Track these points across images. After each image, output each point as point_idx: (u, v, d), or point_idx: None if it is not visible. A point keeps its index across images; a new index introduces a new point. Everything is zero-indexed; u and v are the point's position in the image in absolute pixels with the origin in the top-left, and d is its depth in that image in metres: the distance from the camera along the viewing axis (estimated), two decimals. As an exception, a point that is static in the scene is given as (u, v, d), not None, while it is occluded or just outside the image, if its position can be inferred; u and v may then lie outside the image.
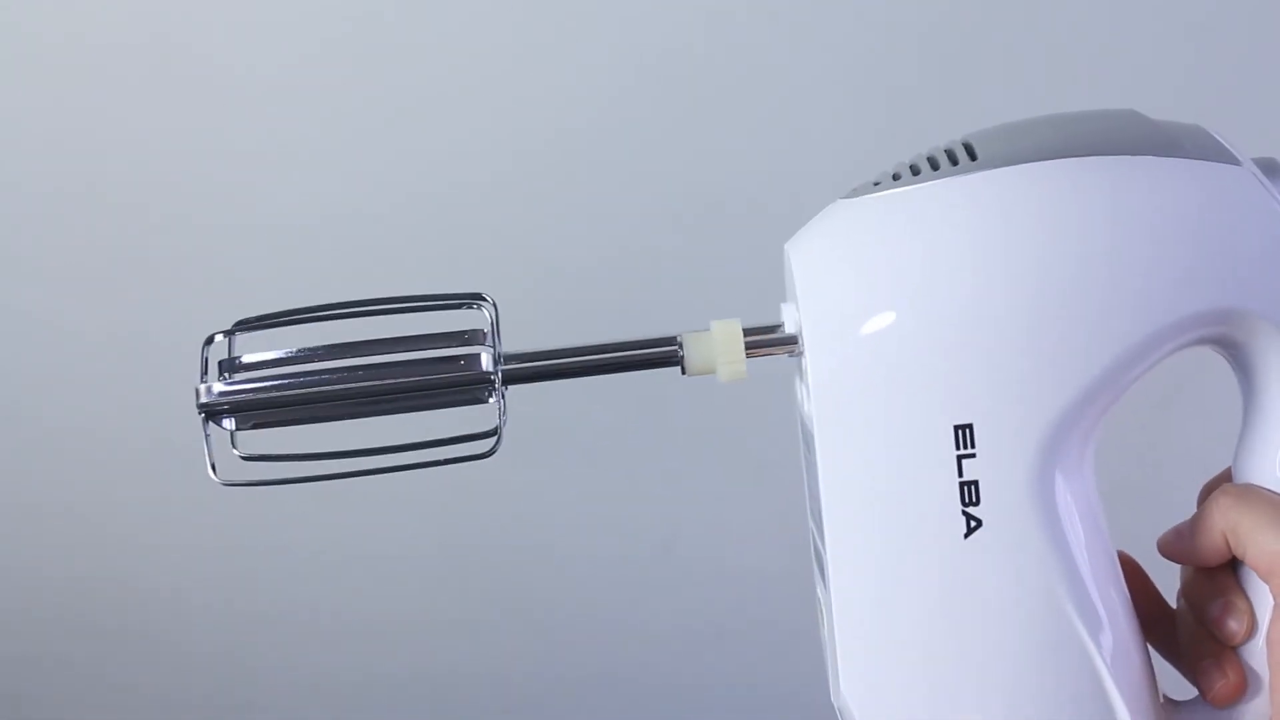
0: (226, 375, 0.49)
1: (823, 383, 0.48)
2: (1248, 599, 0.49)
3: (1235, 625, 0.49)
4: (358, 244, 1.16)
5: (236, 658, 1.30)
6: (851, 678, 0.48)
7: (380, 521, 1.24)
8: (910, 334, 0.47)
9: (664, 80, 1.11)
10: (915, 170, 0.49)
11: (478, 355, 0.49)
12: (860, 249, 0.48)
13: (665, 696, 1.26)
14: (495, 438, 0.50)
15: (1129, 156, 0.48)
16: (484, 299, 0.50)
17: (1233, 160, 0.48)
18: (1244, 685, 0.49)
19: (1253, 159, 0.48)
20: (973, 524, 0.47)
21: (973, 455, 0.47)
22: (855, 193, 0.50)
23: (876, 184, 0.49)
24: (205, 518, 1.24)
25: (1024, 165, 0.48)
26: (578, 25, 1.10)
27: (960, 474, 0.47)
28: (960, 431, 0.47)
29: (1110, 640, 0.48)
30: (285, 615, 1.28)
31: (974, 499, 0.47)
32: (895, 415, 0.47)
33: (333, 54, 1.13)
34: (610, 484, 1.21)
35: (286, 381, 0.49)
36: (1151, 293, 0.47)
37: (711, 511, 1.20)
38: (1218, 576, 0.50)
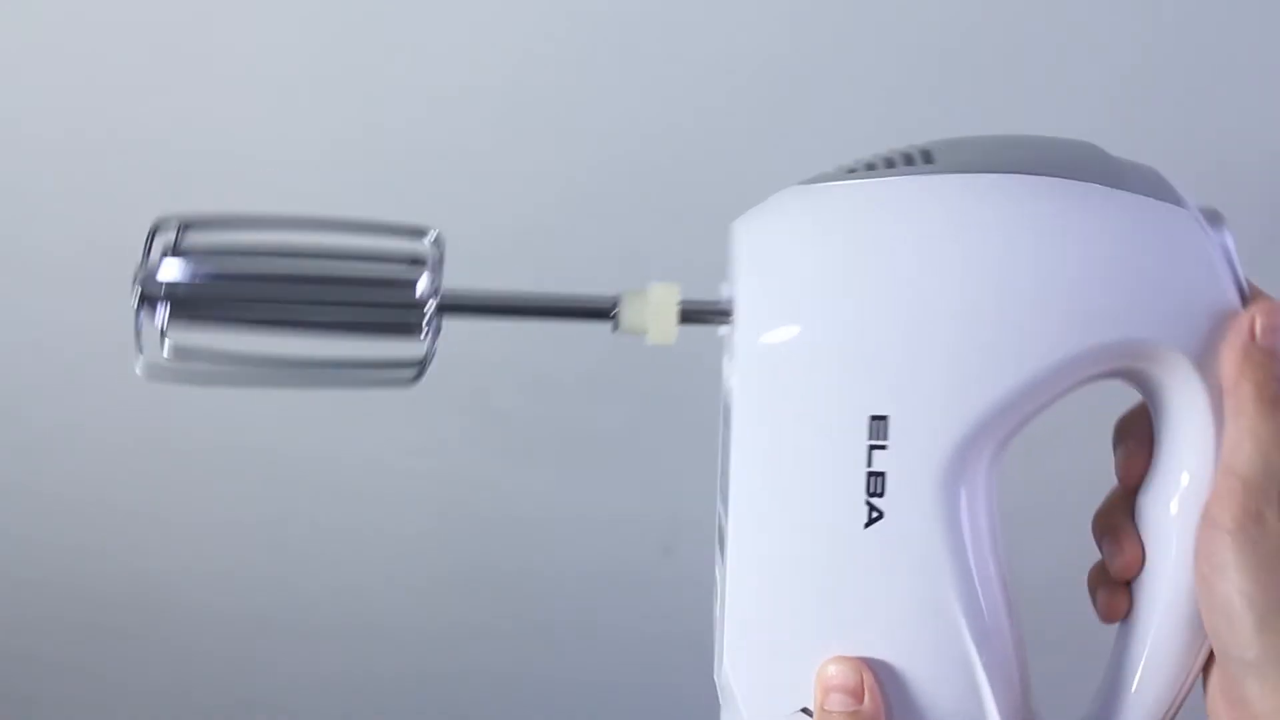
0: (168, 265, 0.50)
1: (749, 359, 0.48)
2: (1137, 537, 0.52)
3: (1119, 559, 0.52)
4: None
5: (236, 658, 1.30)
6: (736, 655, 0.49)
7: (380, 521, 1.24)
8: (839, 320, 0.48)
9: (663, 78, 1.11)
10: (871, 166, 0.50)
11: (413, 280, 0.50)
12: (803, 235, 0.49)
13: (665, 697, 1.26)
14: (417, 368, 0.51)
15: (1078, 182, 0.48)
16: (432, 232, 0.51)
17: (1179, 202, 0.49)
18: (1128, 609, 0.52)
19: (1199, 207, 0.49)
20: (874, 514, 0.48)
21: (884, 447, 0.47)
22: (811, 180, 0.51)
23: (831, 174, 0.50)
24: (206, 518, 1.24)
25: (975, 174, 0.49)
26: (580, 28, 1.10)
27: (870, 464, 0.48)
28: (876, 422, 0.47)
29: (993, 654, 0.49)
30: (285, 615, 1.28)
31: (879, 490, 0.48)
32: (814, 397, 0.48)
33: (334, 54, 1.13)
34: (610, 484, 1.21)
35: (226, 276, 0.50)
36: (1080, 314, 0.47)
37: (712, 513, 1.20)
38: (1113, 513, 0.53)
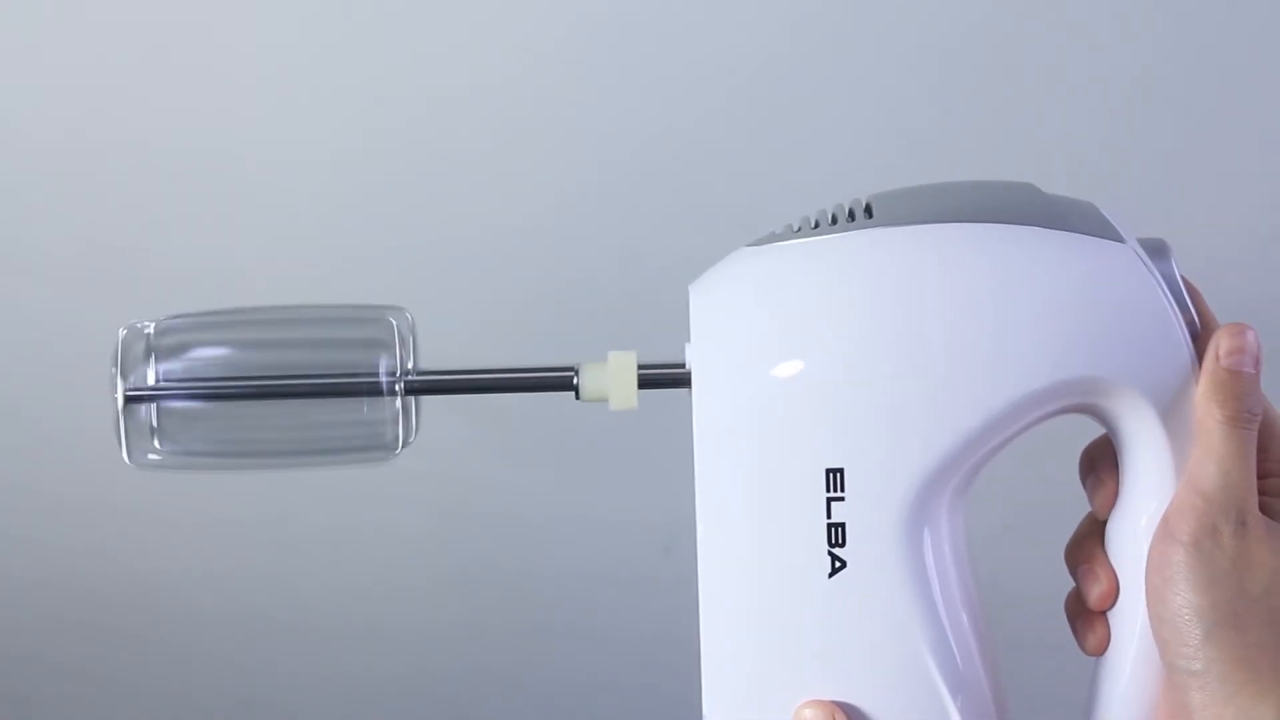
0: (149, 364, 0.54)
1: (705, 419, 0.50)
2: (1110, 567, 0.52)
3: (1095, 590, 0.53)
4: (360, 244, 1.16)
5: (236, 658, 1.30)
6: (714, 701, 0.50)
7: (380, 521, 1.24)
8: (791, 378, 0.49)
9: (667, 86, 1.11)
10: (815, 224, 0.51)
11: (377, 364, 0.52)
12: (753, 296, 0.50)
13: (665, 697, 1.26)
14: (395, 450, 0.53)
15: (1017, 226, 0.49)
16: (401, 311, 0.53)
17: (1117, 238, 0.50)
18: (1108, 640, 0.52)
19: (1140, 239, 0.50)
20: (837, 564, 0.49)
21: (841, 499, 0.49)
22: (759, 241, 0.52)
23: (778, 235, 0.52)
24: (206, 518, 1.24)
25: (915, 226, 0.50)
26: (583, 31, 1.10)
27: (829, 515, 0.49)
28: (832, 475, 0.49)
29: (967, 693, 0.49)
30: (285, 615, 1.28)
31: (840, 540, 0.49)
32: (771, 454, 0.49)
33: (336, 54, 1.13)
34: (610, 484, 1.21)
35: (204, 378, 0.53)
36: (1027, 358, 0.48)
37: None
38: (1085, 543, 0.54)
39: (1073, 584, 0.55)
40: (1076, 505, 0.57)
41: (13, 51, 1.14)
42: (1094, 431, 0.54)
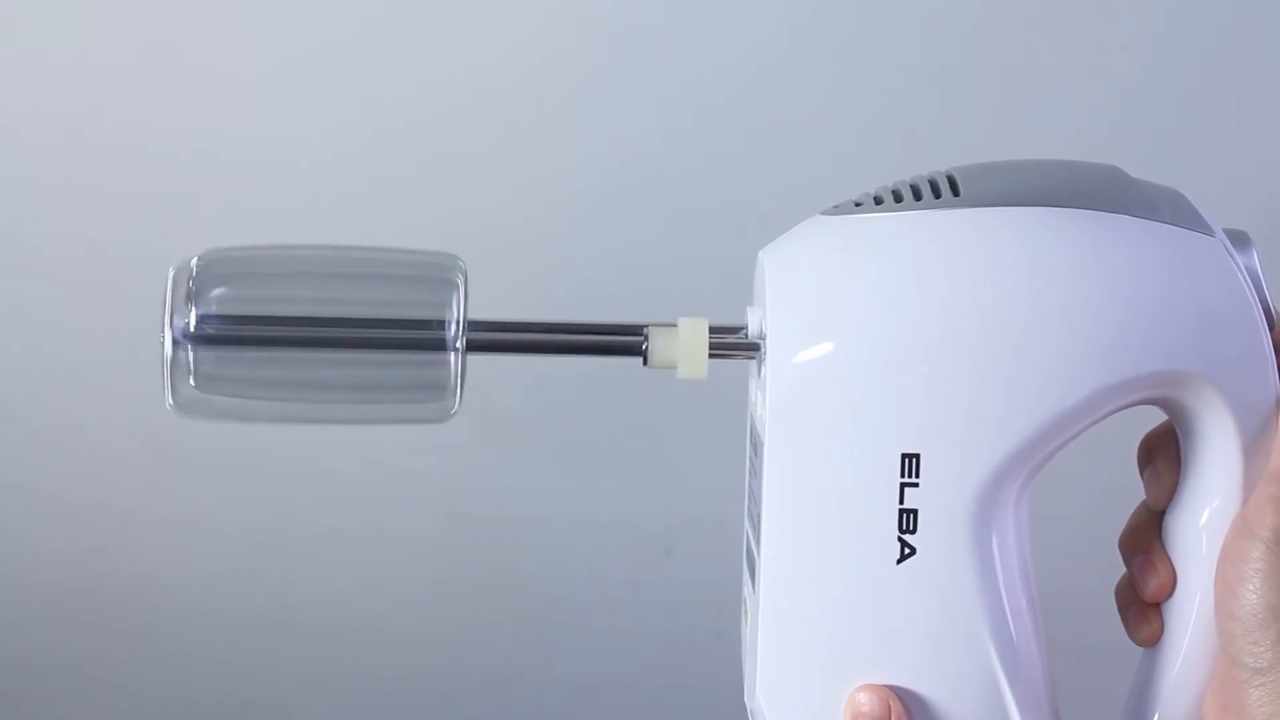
0: (194, 305, 0.50)
1: (781, 393, 0.48)
2: (1168, 559, 0.52)
3: (1152, 582, 0.52)
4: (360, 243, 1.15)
5: (236, 658, 1.30)
6: (768, 683, 0.50)
7: (380, 522, 1.24)
8: (872, 357, 0.48)
9: (672, 85, 1.11)
10: (898, 197, 0.49)
11: (442, 320, 0.49)
12: (834, 267, 0.49)
13: (665, 697, 1.26)
14: (452, 405, 0.50)
15: (1108, 214, 0.49)
16: (456, 259, 0.50)
17: (1207, 230, 0.49)
18: (1161, 631, 0.52)
19: (1224, 229, 0.50)
20: (906, 551, 0.48)
21: (916, 485, 0.48)
22: (836, 210, 0.50)
23: (858, 204, 0.50)
24: (206, 518, 1.24)
25: (1005, 208, 0.49)
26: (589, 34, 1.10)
27: (901, 501, 0.48)
28: (907, 460, 0.48)
29: (1024, 685, 0.49)
30: (285, 615, 1.28)
31: (911, 527, 0.48)
32: (846, 434, 0.48)
33: (337, 56, 1.13)
34: (611, 485, 1.21)
35: (257, 320, 0.49)
36: (1110, 349, 0.48)
37: (713, 513, 1.20)
38: (1142, 534, 0.53)
39: (1123, 573, 0.54)
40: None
41: (13, 51, 1.14)
42: (1145, 422, 0.54)
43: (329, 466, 1.21)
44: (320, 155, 1.15)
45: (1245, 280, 0.49)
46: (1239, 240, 0.50)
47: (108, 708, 1.32)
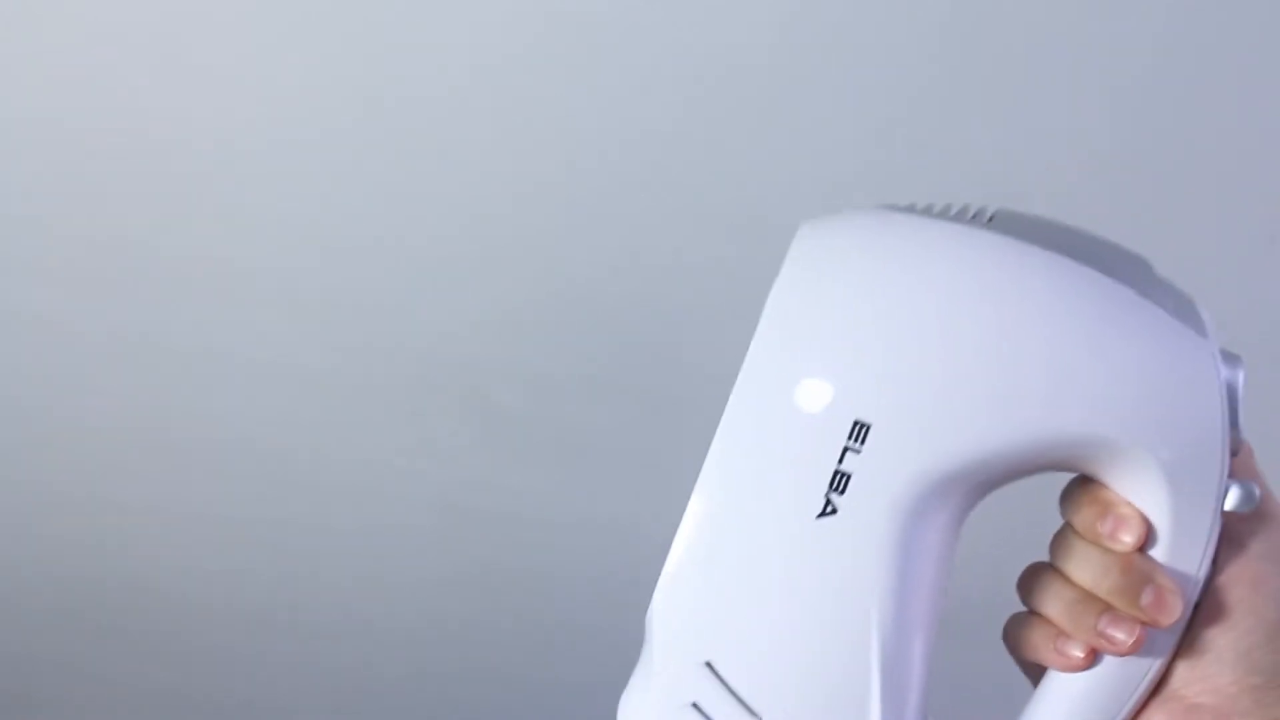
0: None
1: (772, 324, 0.51)
2: (1133, 505, 0.50)
3: (1129, 536, 0.50)
4: (361, 244, 1.16)
5: (237, 657, 1.30)
6: (666, 594, 0.52)
7: (380, 521, 1.24)
8: (861, 317, 0.51)
9: (688, 86, 1.11)
10: (944, 212, 0.53)
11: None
12: (860, 240, 0.52)
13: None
14: None
15: (1115, 282, 0.51)
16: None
17: (1201, 332, 0.51)
18: (1143, 639, 0.50)
19: (1221, 349, 0.51)
20: (829, 508, 0.50)
21: (858, 452, 0.50)
22: (882, 206, 0.53)
23: (906, 208, 0.53)
24: (206, 517, 1.24)
25: (1024, 243, 0.51)
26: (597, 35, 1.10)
27: (840, 461, 0.50)
28: (858, 426, 0.50)
29: (895, 686, 0.50)
30: (285, 615, 1.28)
31: (841, 489, 0.50)
32: (813, 382, 0.50)
33: (339, 55, 1.13)
34: (610, 485, 1.21)
35: None
36: (1081, 403, 0.49)
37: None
38: (1098, 492, 0.51)
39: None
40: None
41: (14, 52, 1.14)
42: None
43: (329, 466, 1.22)
44: (321, 155, 1.15)
45: (1221, 388, 0.50)
46: (1230, 358, 0.51)
47: (108, 706, 1.32)
